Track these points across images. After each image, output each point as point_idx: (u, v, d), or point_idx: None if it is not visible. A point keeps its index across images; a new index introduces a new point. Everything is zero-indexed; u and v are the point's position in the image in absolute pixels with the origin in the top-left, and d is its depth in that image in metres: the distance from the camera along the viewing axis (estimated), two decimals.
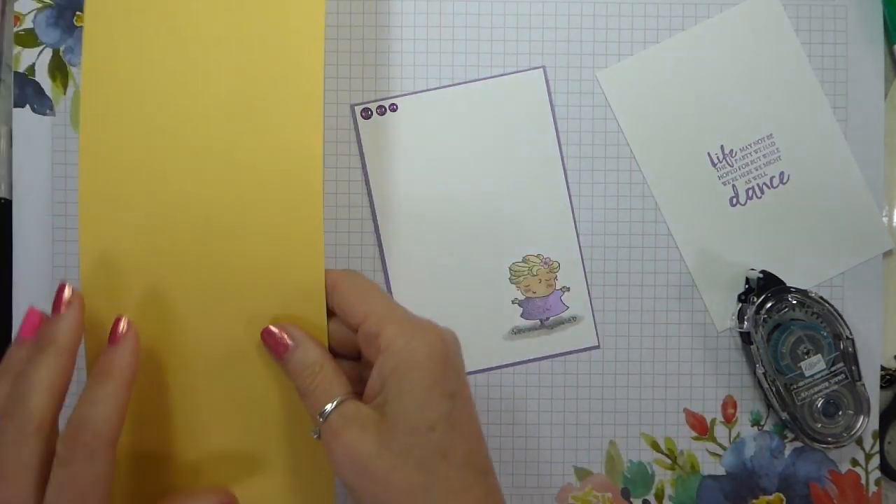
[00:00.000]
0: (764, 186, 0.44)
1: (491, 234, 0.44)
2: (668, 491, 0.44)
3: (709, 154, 0.44)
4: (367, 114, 0.43)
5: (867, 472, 0.44)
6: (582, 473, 0.44)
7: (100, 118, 0.37)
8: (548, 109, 0.44)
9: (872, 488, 0.44)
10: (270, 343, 0.34)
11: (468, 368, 0.42)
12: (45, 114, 0.43)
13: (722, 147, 0.44)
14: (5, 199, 0.43)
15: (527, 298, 0.44)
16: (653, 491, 0.44)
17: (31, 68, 0.43)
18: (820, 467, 0.44)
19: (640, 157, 0.44)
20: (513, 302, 0.44)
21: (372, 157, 0.43)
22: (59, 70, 0.44)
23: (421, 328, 0.32)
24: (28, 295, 0.43)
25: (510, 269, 0.44)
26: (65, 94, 0.44)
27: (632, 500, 0.44)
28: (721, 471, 0.44)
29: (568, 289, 0.44)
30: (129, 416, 0.34)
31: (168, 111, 0.37)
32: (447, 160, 0.44)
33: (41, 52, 0.43)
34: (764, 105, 0.44)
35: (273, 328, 0.34)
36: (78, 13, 0.44)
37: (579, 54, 0.44)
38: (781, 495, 0.44)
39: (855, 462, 0.44)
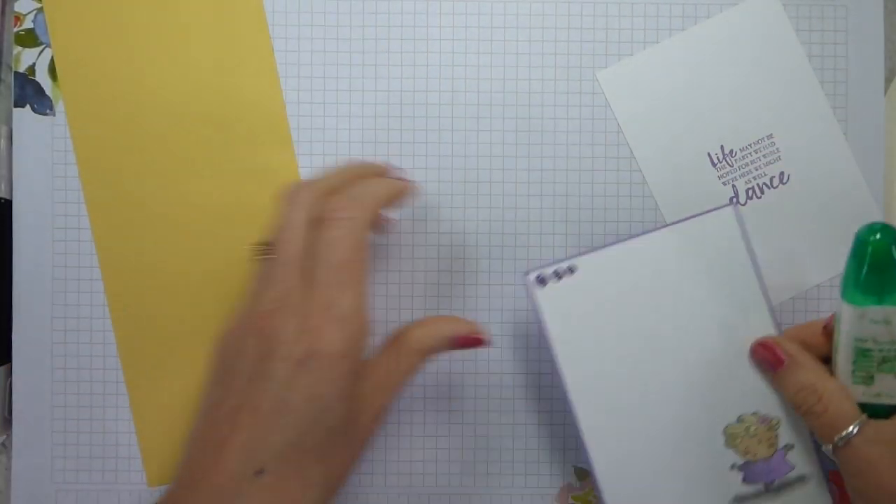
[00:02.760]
0: (764, 186, 0.44)
1: (701, 397, 0.39)
2: None
3: (709, 154, 0.44)
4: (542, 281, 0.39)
5: None
6: (582, 473, 0.44)
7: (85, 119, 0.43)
8: (742, 247, 0.39)
9: None
10: (763, 356, 0.37)
11: None
12: (45, 114, 0.43)
13: (722, 147, 0.44)
14: (5, 199, 0.43)
15: (746, 462, 0.40)
16: None
17: (32, 68, 0.43)
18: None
19: (639, 157, 0.44)
20: (731, 468, 0.39)
21: (554, 323, 0.39)
22: None
23: None
24: (28, 295, 0.43)
25: (725, 432, 0.39)
26: None
27: None
28: None
29: (791, 446, 0.40)
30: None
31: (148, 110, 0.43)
32: (636, 323, 0.39)
33: (41, 52, 0.43)
34: (764, 105, 0.44)
35: (768, 342, 0.37)
36: None
37: (579, 54, 0.44)
38: None
39: None
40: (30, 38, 0.43)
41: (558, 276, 0.39)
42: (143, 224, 0.43)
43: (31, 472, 0.44)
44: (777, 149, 0.44)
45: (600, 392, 0.39)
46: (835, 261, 0.44)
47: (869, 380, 0.35)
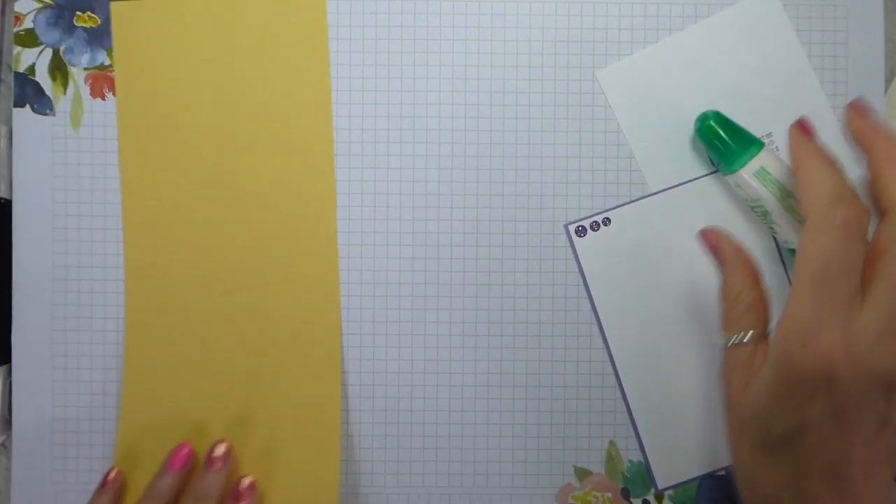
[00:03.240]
0: None
1: (719, 332, 0.43)
2: (668, 491, 0.44)
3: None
4: (581, 231, 0.44)
5: None
6: (582, 473, 0.44)
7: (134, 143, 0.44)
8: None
9: None
10: (708, 248, 0.38)
11: (713, 468, 0.44)
12: (45, 114, 0.43)
13: None
14: (5, 199, 0.43)
15: None
16: (653, 490, 0.44)
17: (32, 68, 0.43)
18: None
19: (640, 156, 0.44)
20: None
21: (591, 272, 0.44)
22: (59, 70, 0.44)
23: None
24: (28, 295, 0.43)
25: None
26: (65, 94, 0.44)
27: (632, 500, 0.44)
28: (721, 470, 0.44)
29: None
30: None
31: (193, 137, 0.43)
32: (662, 267, 0.44)
33: (41, 52, 0.44)
34: (764, 105, 0.44)
35: (711, 237, 0.38)
36: (78, 13, 0.44)
37: (579, 54, 0.44)
38: None
39: None
40: (30, 38, 0.43)
41: (595, 227, 0.43)
42: (176, 227, 0.43)
43: (31, 472, 0.44)
44: (777, 147, 0.44)
45: (632, 330, 0.44)
46: None
47: (776, 231, 0.41)
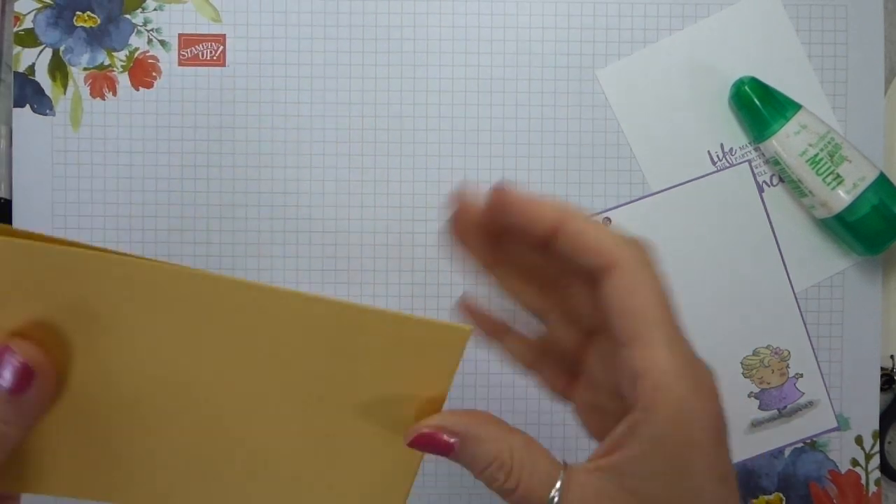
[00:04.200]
0: (764, 184, 0.44)
1: (720, 333, 0.44)
2: None
3: (709, 153, 0.44)
4: None
5: (867, 472, 0.44)
6: None
7: None
8: (757, 198, 0.44)
9: (872, 488, 0.44)
10: (429, 447, 0.28)
11: None
12: (44, 114, 0.43)
13: (722, 145, 0.44)
14: (5, 199, 0.43)
15: (762, 390, 0.44)
16: None
17: (31, 68, 0.43)
18: (820, 467, 0.44)
19: (640, 156, 0.44)
20: (748, 395, 0.44)
21: None
22: (59, 70, 0.44)
23: (699, 384, 0.26)
24: None
25: (742, 363, 0.44)
26: (64, 94, 0.44)
27: None
28: None
29: (801, 375, 0.44)
30: None
31: None
32: (663, 263, 0.43)
33: (41, 52, 0.43)
34: None
35: (425, 432, 0.27)
36: (78, 13, 0.44)
37: (579, 54, 0.44)
38: (781, 495, 0.44)
39: (855, 462, 0.44)
40: (30, 38, 0.43)
41: None
42: None
43: None
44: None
45: None
46: (834, 260, 0.44)
47: (838, 177, 0.41)
